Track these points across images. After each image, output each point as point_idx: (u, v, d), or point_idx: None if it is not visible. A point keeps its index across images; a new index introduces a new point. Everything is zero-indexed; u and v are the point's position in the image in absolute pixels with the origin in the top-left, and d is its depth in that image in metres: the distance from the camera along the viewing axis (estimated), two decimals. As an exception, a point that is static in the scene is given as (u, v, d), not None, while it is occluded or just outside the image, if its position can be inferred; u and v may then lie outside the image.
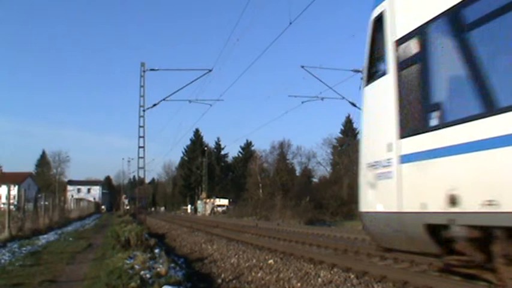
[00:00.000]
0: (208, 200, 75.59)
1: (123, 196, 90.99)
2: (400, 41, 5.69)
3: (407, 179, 5.40)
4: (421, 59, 5.31)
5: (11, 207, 18.44)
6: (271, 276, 8.78)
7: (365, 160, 6.39)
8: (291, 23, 17.67)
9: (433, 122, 5.05)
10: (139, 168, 30.50)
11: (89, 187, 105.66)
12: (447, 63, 5.08)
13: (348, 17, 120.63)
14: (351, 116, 66.71)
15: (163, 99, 29.86)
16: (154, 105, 29.72)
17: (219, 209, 71.29)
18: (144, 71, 29.62)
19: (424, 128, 5.15)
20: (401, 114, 5.57)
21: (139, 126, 29.79)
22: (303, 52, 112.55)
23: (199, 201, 79.50)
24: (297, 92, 55.57)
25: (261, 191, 60.71)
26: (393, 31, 5.85)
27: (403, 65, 5.63)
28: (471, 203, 4.42)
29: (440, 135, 4.88)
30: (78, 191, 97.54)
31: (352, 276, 7.90)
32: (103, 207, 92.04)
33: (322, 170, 69.38)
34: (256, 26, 78.34)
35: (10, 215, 16.57)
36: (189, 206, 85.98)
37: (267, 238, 17.99)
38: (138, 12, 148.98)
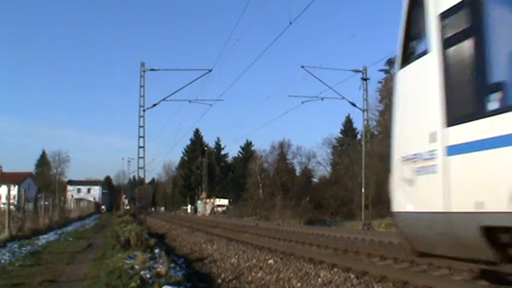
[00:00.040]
0: (208, 200, 75.59)
1: (123, 196, 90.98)
2: (446, 14, 4.96)
3: (457, 173, 4.64)
4: (476, 32, 4.58)
5: (11, 207, 18.44)
6: (271, 276, 8.77)
7: (399, 153, 5.55)
8: (291, 23, 17.70)
9: (493, 105, 4.33)
10: (139, 168, 30.54)
11: (89, 187, 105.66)
12: (510, 36, 4.38)
13: (348, 17, 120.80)
14: (351, 116, 66.74)
15: (163, 99, 29.93)
16: (154, 105, 29.77)
17: (219, 209, 71.28)
18: (144, 71, 29.64)
19: (481, 113, 4.41)
20: (448, 98, 4.83)
21: (139, 126, 29.82)
22: (303, 52, 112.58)
23: (199, 201, 79.50)
24: (297, 92, 55.53)
25: (261, 191, 60.70)
26: (437, 3, 5.12)
27: (450, 41, 4.90)
28: None
29: (503, 120, 4.13)
30: (78, 191, 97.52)
31: (352, 276, 7.90)
32: (103, 207, 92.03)
33: (322, 170, 69.42)
34: (256, 26, 78.33)
35: (10, 215, 16.56)
36: (189, 206, 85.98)
37: (267, 238, 17.99)
38: (138, 13, 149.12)
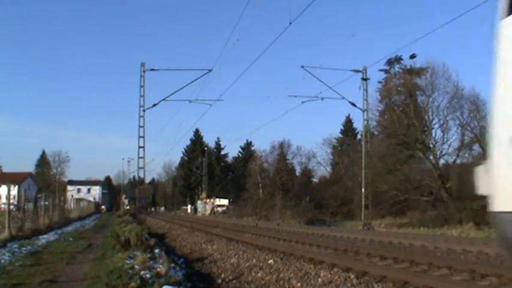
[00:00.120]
0: (208, 200, 75.57)
1: (123, 196, 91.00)
2: None
3: None
4: None
5: (11, 207, 18.44)
6: (271, 276, 8.78)
7: (508, 132, 3.57)
8: (291, 23, 17.68)
9: None
10: (139, 168, 30.52)
11: (89, 187, 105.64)
12: None
13: (348, 17, 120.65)
14: (351, 116, 66.72)
15: (163, 99, 29.90)
16: (154, 105, 29.75)
17: (219, 209, 71.25)
18: (144, 71, 29.62)
19: None
20: None
21: (139, 126, 29.81)
22: (303, 52, 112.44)
23: (199, 201, 79.48)
24: (297, 92, 55.41)
25: (261, 191, 60.69)
26: None
27: None
28: None
29: None
30: (78, 191, 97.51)
31: (352, 276, 7.90)
32: (103, 207, 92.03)
33: (322, 170, 69.40)
34: (256, 26, 78.38)
35: (10, 215, 16.56)
36: (189, 206, 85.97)
37: (267, 238, 17.99)
38: (138, 13, 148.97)
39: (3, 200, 43.43)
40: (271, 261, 10.03)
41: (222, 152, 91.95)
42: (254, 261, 10.50)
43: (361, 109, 29.75)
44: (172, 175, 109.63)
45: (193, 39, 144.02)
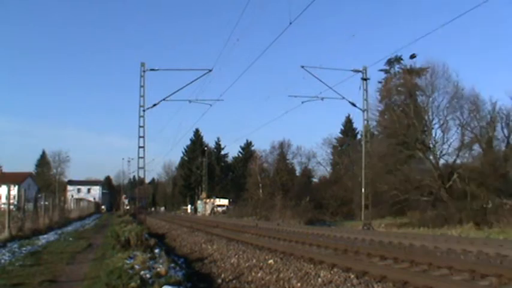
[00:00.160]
0: (208, 200, 75.56)
1: (123, 196, 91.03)
2: None
3: None
4: None
5: (11, 207, 18.43)
6: (271, 276, 8.78)
7: None
8: (291, 23, 17.63)
9: None
10: (139, 168, 30.47)
11: (89, 187, 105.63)
12: None
13: (348, 17, 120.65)
14: (351, 116, 66.73)
15: (163, 99, 29.83)
16: (154, 105, 29.71)
17: (219, 209, 71.24)
18: (144, 71, 29.59)
19: None
20: None
21: (140, 126, 29.77)
22: (303, 52, 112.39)
23: (199, 201, 79.48)
24: (297, 92, 55.15)
25: (261, 191, 60.68)
26: None
27: None
28: None
29: None
30: (78, 191, 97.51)
31: (352, 276, 7.90)
32: (103, 207, 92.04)
33: (322, 170, 69.41)
34: (256, 26, 77.96)
35: (10, 215, 16.56)
36: (189, 206, 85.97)
37: (267, 238, 17.99)
38: (138, 12, 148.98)
39: (3, 200, 43.44)
40: (271, 261, 10.03)
41: (222, 152, 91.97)
42: (254, 261, 10.50)
43: (361, 109, 29.75)
44: (172, 175, 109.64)
45: (193, 39, 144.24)
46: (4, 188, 46.30)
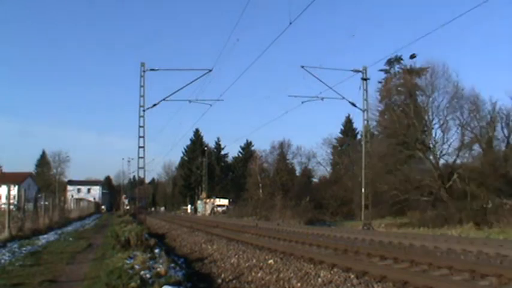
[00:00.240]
0: (208, 200, 75.56)
1: (123, 196, 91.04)
2: None
3: None
4: None
5: (11, 207, 18.43)
6: (271, 276, 8.78)
7: None
8: (291, 23, 17.62)
9: None
10: (139, 168, 30.46)
11: (89, 187, 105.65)
12: None
13: (348, 17, 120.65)
14: (351, 116, 66.73)
15: (163, 99, 29.81)
16: (154, 105, 29.70)
17: (219, 209, 71.24)
18: (144, 71, 29.58)
19: None
20: None
21: (140, 126, 29.76)
22: (303, 52, 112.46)
23: (199, 201, 79.48)
24: (297, 92, 55.56)
25: (261, 191, 60.68)
26: None
27: None
28: None
29: None
30: (78, 191, 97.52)
31: (352, 276, 7.90)
32: (103, 207, 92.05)
33: (322, 170, 69.40)
34: (256, 26, 78.21)
35: (10, 215, 16.56)
36: (189, 206, 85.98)
37: (267, 238, 17.99)
38: (138, 12, 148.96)
39: (3, 200, 43.42)
40: (271, 261, 10.03)
41: (222, 152, 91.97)
42: (254, 261, 10.50)
43: (361, 109, 29.75)
44: (172, 175, 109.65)
45: (193, 40, 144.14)
46: (4, 188, 46.30)
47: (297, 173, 67.84)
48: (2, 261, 10.11)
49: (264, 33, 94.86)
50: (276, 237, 17.80)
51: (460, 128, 36.47)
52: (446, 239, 15.78)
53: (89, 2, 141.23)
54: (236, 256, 11.56)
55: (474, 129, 36.34)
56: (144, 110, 29.45)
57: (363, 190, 28.96)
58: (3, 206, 35.63)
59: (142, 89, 29.69)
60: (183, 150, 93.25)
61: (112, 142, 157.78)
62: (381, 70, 47.61)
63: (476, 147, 37.05)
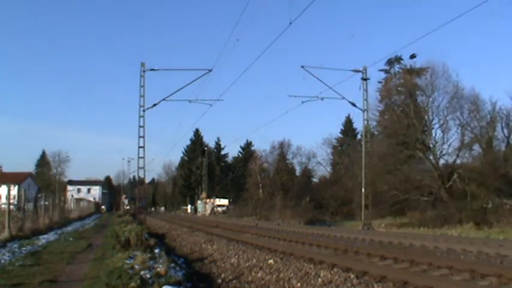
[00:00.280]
0: (208, 200, 75.56)
1: (123, 196, 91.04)
2: None
3: None
4: None
5: (11, 207, 18.43)
6: (271, 276, 8.78)
7: None
8: (291, 23, 17.62)
9: None
10: (139, 168, 30.45)
11: (89, 187, 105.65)
12: None
13: (348, 17, 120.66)
14: (351, 116, 66.71)
15: (163, 99, 29.81)
16: (155, 105, 29.70)
17: (219, 209, 71.25)
18: (144, 71, 29.58)
19: None
20: None
21: (140, 126, 29.76)
22: (303, 52, 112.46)
23: (199, 201, 79.49)
24: (297, 92, 55.33)
25: (261, 191, 60.68)
26: None
27: None
28: None
29: None
30: (78, 191, 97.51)
31: (352, 276, 7.90)
32: (103, 207, 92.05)
33: (322, 170, 69.36)
34: (256, 26, 78.12)
35: (10, 215, 16.56)
36: (189, 206, 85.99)
37: (267, 238, 17.99)
38: (138, 12, 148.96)
39: (3, 200, 43.40)
40: (271, 261, 10.03)
41: (222, 152, 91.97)
42: (254, 261, 10.50)
43: (361, 109, 29.75)
44: (172, 175, 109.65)
45: (193, 39, 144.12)
46: (4, 188, 46.28)
47: (297, 173, 67.85)
48: (2, 261, 10.11)
49: (264, 33, 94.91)
50: (276, 237, 17.80)
51: (460, 128, 36.50)
52: (446, 239, 15.78)
53: (89, 1, 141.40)
54: (236, 256, 11.55)
55: (474, 129, 36.34)
56: (144, 110, 29.47)
57: (363, 190, 28.96)
58: (3, 206, 35.61)
59: (142, 89, 29.71)
60: (183, 150, 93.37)
61: (112, 142, 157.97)
62: (381, 70, 47.66)
63: (476, 147, 37.06)
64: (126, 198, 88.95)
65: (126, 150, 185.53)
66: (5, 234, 15.35)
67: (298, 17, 23.69)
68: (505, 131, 36.66)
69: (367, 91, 29.48)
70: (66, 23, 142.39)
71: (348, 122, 67.01)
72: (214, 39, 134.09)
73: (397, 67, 46.79)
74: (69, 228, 23.80)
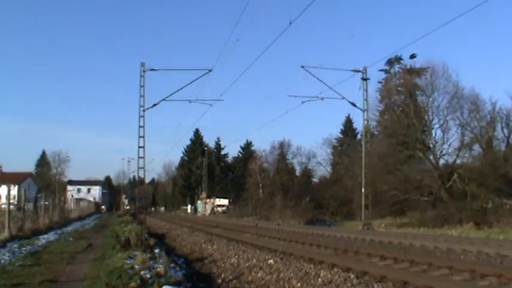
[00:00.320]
0: (208, 200, 75.56)
1: (123, 196, 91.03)
2: None
3: None
4: None
5: (11, 207, 18.42)
6: (271, 276, 8.78)
7: None
8: (291, 23, 17.65)
9: None
10: (139, 168, 30.50)
11: (89, 187, 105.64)
12: None
13: (347, 17, 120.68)
14: (351, 116, 66.71)
15: (163, 99, 29.86)
16: (155, 105, 29.74)
17: (219, 209, 71.24)
18: (144, 71, 29.61)
19: None
20: None
21: (140, 126, 29.80)
22: (303, 52, 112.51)
23: (199, 201, 79.48)
24: (297, 92, 55.56)
25: (261, 191, 60.68)
26: None
27: None
28: None
29: None
30: (78, 191, 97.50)
31: (352, 276, 7.90)
32: (103, 207, 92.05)
33: (322, 170, 69.36)
34: (256, 26, 78.13)
35: (10, 215, 16.55)
36: (189, 206, 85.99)
37: (267, 238, 17.99)
38: (138, 12, 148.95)
39: (3, 200, 43.39)
40: (271, 261, 10.03)
41: (222, 152, 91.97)
42: (254, 261, 10.50)
43: (361, 109, 29.78)
44: (172, 175, 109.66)
45: (193, 39, 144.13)
46: (4, 188, 46.28)
47: (297, 173, 67.86)
48: (2, 261, 10.11)
49: (264, 33, 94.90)
50: (276, 237, 17.81)
51: (460, 128, 36.49)
52: (446, 239, 15.79)
53: (89, 1, 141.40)
54: (236, 256, 11.55)
55: (474, 129, 36.34)
56: (144, 110, 29.51)
57: (363, 190, 28.97)
58: (3, 206, 35.59)
59: (142, 89, 29.75)
60: (183, 150, 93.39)
61: (112, 142, 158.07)
62: (381, 70, 47.66)
63: (476, 147, 37.05)
64: (126, 198, 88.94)
65: (126, 150, 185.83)
66: (5, 234, 15.35)
67: (298, 17, 23.71)
68: (505, 131, 36.68)
69: (367, 91, 29.53)
70: (66, 23, 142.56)
71: (348, 122, 67.03)
72: (214, 39, 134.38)
73: (397, 67, 46.84)
74: (69, 228, 23.80)
